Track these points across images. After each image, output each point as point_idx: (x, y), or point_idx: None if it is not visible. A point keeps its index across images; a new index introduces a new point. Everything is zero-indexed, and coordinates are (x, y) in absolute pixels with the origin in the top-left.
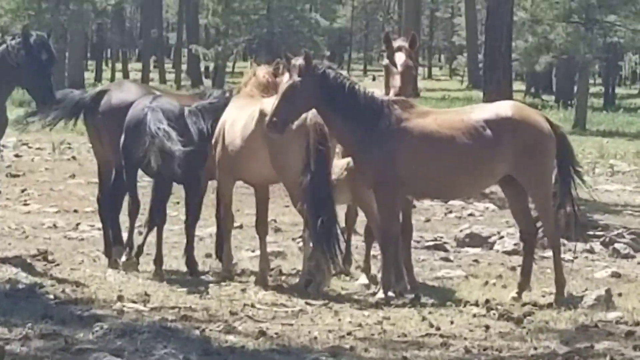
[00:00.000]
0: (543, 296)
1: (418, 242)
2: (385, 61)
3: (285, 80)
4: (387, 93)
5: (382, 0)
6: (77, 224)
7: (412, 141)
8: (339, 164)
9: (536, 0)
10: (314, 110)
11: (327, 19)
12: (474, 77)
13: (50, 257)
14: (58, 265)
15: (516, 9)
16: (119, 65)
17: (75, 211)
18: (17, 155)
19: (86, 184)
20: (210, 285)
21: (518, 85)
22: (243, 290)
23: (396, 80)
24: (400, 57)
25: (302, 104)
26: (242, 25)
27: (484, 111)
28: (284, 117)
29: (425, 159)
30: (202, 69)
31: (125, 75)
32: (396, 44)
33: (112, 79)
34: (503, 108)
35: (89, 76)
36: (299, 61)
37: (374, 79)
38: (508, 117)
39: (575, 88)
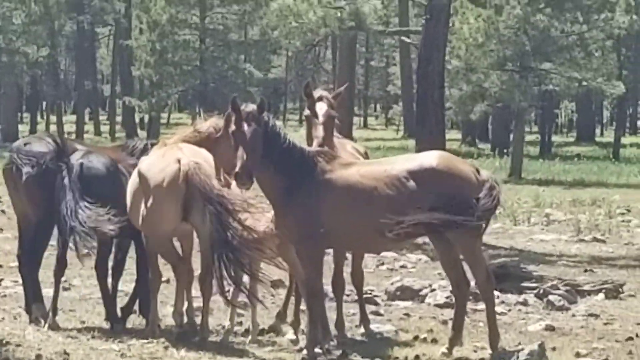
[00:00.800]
0: (475, 351)
1: (348, 295)
2: (307, 112)
3: (236, 128)
4: (309, 144)
5: (316, 50)
6: (0, 280)
7: (334, 193)
8: (266, 218)
9: (470, 48)
10: (186, 159)
11: (261, 69)
12: (409, 127)
13: None
14: None
15: (450, 57)
16: (54, 118)
17: (0, 266)
18: None
19: (13, 239)
20: (133, 343)
21: (454, 134)
22: (166, 348)
23: (319, 131)
24: (321, 107)
25: (259, 152)
26: (176, 76)
27: (408, 162)
28: (251, 167)
29: (347, 211)
30: (137, 120)
31: (60, 128)
32: (317, 94)
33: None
34: (427, 158)
35: (23, 129)
36: (250, 107)
37: None
38: (432, 168)
39: (511, 136)
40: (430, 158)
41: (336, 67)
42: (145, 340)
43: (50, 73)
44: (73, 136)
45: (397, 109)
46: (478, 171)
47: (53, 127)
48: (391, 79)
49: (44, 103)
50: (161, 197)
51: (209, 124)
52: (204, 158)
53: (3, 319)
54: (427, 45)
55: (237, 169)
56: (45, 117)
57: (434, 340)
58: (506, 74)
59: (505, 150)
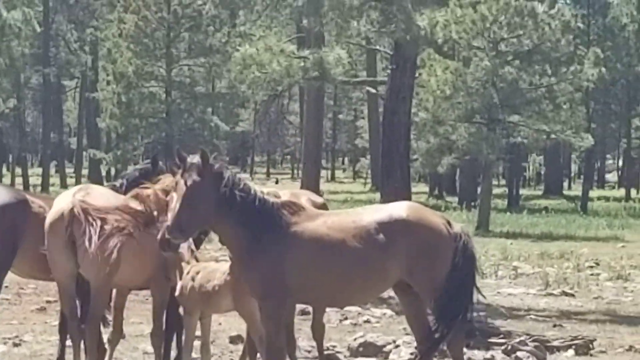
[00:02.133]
0: None
1: (309, 351)
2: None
3: (179, 181)
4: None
5: (279, 102)
6: None
7: (300, 246)
8: (221, 269)
9: (437, 101)
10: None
11: (228, 122)
12: (377, 180)
13: None
14: None
15: (417, 109)
16: (20, 170)
17: None
18: None
19: None
20: None
21: (421, 187)
22: None
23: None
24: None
25: (199, 206)
26: (142, 129)
27: (377, 212)
28: (185, 224)
29: (314, 265)
30: (104, 173)
31: (26, 180)
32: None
33: (12, 184)
34: (397, 209)
35: None
36: (195, 159)
37: (277, 182)
38: (402, 218)
39: (479, 189)
40: (400, 209)
41: (304, 120)
42: None
43: (15, 125)
44: (39, 189)
45: (364, 162)
46: (449, 223)
47: (19, 180)
48: (359, 132)
49: (10, 156)
50: (49, 242)
51: None
52: (107, 202)
53: None
54: (393, 96)
55: (169, 222)
56: (10, 170)
57: None
58: (474, 127)
59: (472, 203)
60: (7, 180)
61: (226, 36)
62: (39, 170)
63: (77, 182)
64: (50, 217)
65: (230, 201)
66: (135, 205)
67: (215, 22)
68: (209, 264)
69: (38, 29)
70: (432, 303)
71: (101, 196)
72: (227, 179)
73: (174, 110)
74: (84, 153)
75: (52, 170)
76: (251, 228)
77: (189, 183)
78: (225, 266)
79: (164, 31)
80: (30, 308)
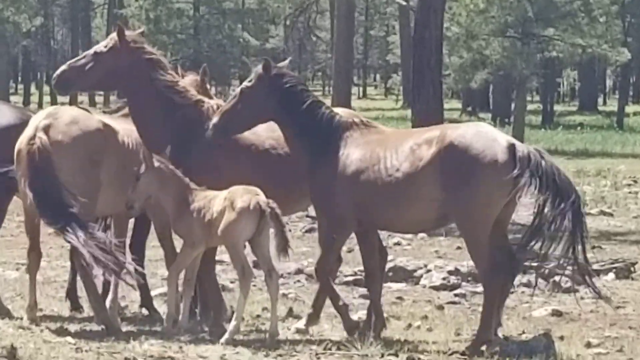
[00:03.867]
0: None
1: (337, 277)
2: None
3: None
4: None
5: (307, 16)
6: None
7: (352, 163)
8: (221, 195)
9: (471, 15)
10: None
11: (258, 39)
12: (409, 96)
13: None
14: None
15: (450, 24)
16: (48, 88)
17: None
18: None
19: None
20: (91, 335)
21: (454, 104)
22: (126, 341)
23: None
24: None
25: (253, 112)
26: (170, 45)
27: (429, 130)
28: (228, 124)
29: (362, 183)
30: None
31: (54, 99)
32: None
33: (40, 103)
34: (449, 128)
35: (17, 100)
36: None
37: None
38: (442, 134)
39: (513, 105)
40: (450, 127)
41: (334, 35)
42: (104, 329)
43: (43, 44)
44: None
45: (396, 79)
46: (514, 146)
47: (47, 98)
48: (391, 48)
49: (38, 74)
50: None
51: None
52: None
53: None
54: (424, 8)
55: (212, 122)
56: (39, 88)
57: (429, 329)
58: (508, 41)
59: (506, 120)
60: (35, 98)
61: None
62: None
63: (106, 100)
64: (18, 145)
65: (291, 112)
66: (125, 124)
67: None
68: (209, 192)
69: None
70: (470, 245)
71: (71, 121)
72: (289, 87)
73: (203, 27)
74: None
75: None
76: (311, 142)
77: (241, 88)
78: (223, 194)
79: None
80: (48, 231)
